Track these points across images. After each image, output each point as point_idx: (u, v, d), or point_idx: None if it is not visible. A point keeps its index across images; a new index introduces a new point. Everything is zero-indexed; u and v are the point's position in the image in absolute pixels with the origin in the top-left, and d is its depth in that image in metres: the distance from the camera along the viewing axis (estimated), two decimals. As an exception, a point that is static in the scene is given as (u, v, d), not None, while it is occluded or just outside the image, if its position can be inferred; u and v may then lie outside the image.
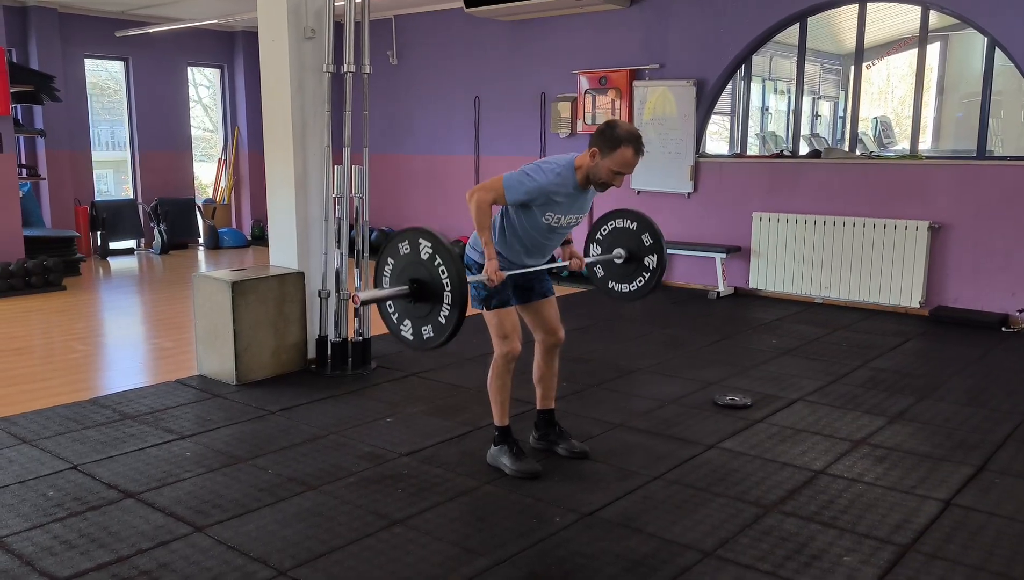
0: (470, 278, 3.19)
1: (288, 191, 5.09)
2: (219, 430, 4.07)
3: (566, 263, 3.61)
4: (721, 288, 7.61)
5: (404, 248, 3.06)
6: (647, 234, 3.80)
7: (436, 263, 2.96)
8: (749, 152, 8.59)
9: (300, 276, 5.07)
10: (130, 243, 10.79)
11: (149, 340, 6.32)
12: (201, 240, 11.26)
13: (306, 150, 5.08)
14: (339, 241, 5.09)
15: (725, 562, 2.80)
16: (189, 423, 4.18)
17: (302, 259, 5.13)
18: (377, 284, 3.18)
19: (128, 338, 6.41)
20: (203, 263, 10.21)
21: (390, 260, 3.11)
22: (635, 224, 3.83)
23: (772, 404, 4.47)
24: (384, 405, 4.45)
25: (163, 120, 10.93)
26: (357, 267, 5.13)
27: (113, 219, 10.32)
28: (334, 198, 5.05)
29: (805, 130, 10.27)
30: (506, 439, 3.58)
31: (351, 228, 5.13)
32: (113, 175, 11.69)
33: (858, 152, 7.68)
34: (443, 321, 2.97)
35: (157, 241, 10.57)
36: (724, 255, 7.55)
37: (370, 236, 10.26)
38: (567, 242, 3.62)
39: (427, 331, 3.02)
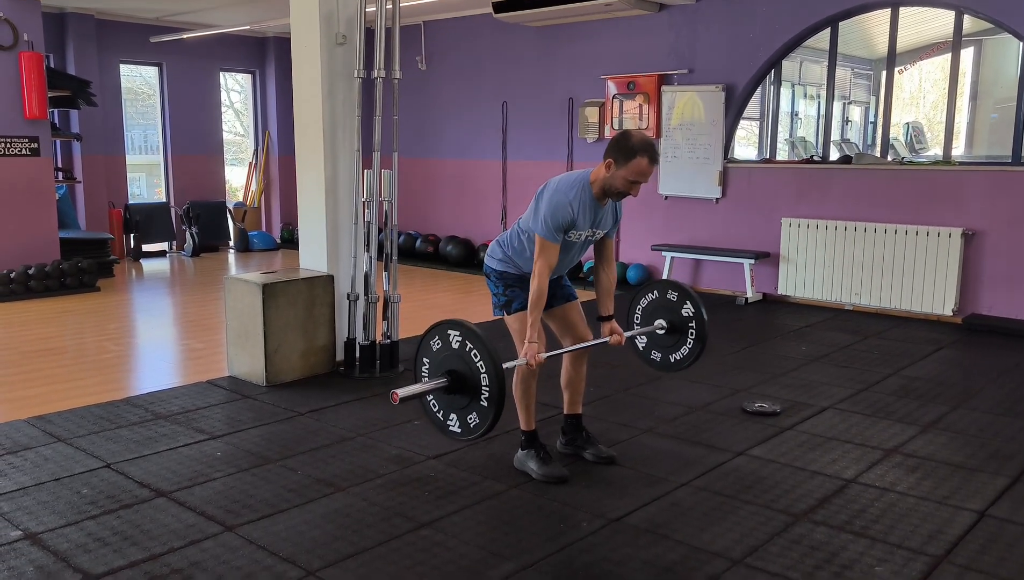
0: (508, 365, 3.11)
1: (318, 195, 5.13)
2: (249, 431, 4.12)
3: (606, 339, 3.58)
4: (750, 294, 7.56)
5: (436, 343, 3.07)
6: (687, 303, 3.77)
7: (468, 349, 2.96)
8: (778, 157, 8.53)
9: (329, 279, 5.11)
10: (162, 245, 10.94)
11: (180, 341, 6.40)
12: (231, 243, 11.39)
13: (336, 154, 5.12)
14: (368, 245, 5.13)
15: (754, 571, 2.78)
16: (220, 423, 4.22)
17: (331, 262, 5.17)
18: (417, 377, 3.19)
19: (160, 339, 6.50)
20: (233, 266, 10.32)
21: (425, 360, 3.11)
22: (675, 295, 3.81)
23: (802, 412, 4.43)
24: (411, 408, 4.44)
25: (195, 124, 11.07)
26: (386, 271, 5.16)
27: (146, 222, 10.48)
28: (363, 202, 5.09)
29: (835, 135, 10.18)
30: (533, 443, 3.58)
31: (380, 232, 5.16)
32: (146, 179, 11.87)
33: (889, 158, 7.59)
34: (485, 403, 2.95)
35: (188, 244, 10.71)
36: (753, 261, 7.50)
37: (399, 240, 10.39)
38: (607, 318, 3.60)
39: (473, 419, 3.02)
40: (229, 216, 11.34)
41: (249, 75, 11.85)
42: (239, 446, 3.90)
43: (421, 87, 10.25)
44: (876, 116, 11.83)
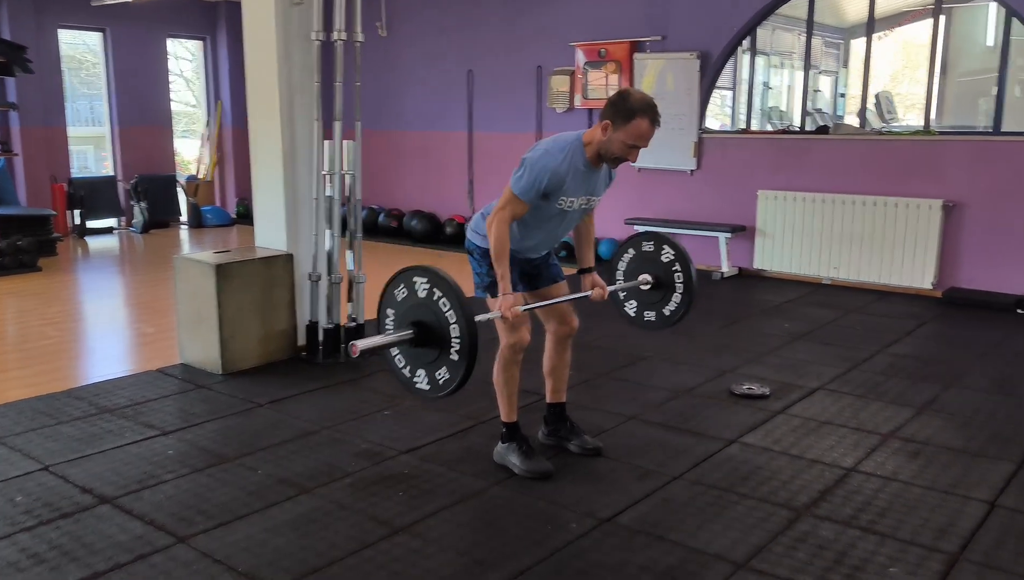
0: (481, 318, 2.87)
1: (275, 167, 4.78)
2: (204, 425, 3.79)
3: (588, 293, 3.32)
4: (725, 269, 7.37)
5: (401, 292, 2.77)
6: (664, 249, 3.51)
7: (436, 298, 2.67)
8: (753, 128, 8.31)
9: (289, 258, 4.77)
10: (110, 222, 10.43)
11: (129, 325, 6.01)
12: (183, 218, 10.90)
13: (294, 123, 4.76)
14: (331, 221, 4.79)
15: (761, 575, 2.55)
16: (171, 417, 3.89)
17: (291, 240, 4.83)
18: (380, 330, 2.91)
19: (106, 323, 6.10)
20: (186, 243, 9.88)
21: (389, 311, 2.81)
22: (650, 245, 3.54)
23: (791, 393, 4.23)
24: (381, 397, 4.18)
25: (142, 94, 10.53)
26: (350, 249, 4.84)
27: (91, 197, 9.95)
28: (324, 175, 4.74)
29: (804, 106, 9.98)
30: (514, 436, 3.32)
31: (343, 207, 4.82)
32: (94, 152, 11.29)
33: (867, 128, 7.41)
34: (456, 357, 2.67)
35: (138, 219, 10.21)
36: (729, 235, 7.29)
37: (363, 215, 10.01)
38: (588, 270, 3.34)
39: (442, 374, 2.73)
40: (180, 190, 10.84)
41: (199, 42, 11.29)
42: (193, 443, 3.58)
43: (382, 55, 9.83)
44: (846, 86, 11.70)
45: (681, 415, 3.93)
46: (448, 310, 2.64)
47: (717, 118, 8.94)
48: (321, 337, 4.82)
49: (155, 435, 3.66)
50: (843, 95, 11.45)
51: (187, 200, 10.84)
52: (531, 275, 3.33)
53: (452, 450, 3.51)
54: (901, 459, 3.43)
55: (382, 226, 9.70)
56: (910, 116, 11.74)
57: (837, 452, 3.49)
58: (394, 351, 2.83)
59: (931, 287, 6.49)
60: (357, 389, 4.32)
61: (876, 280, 6.74)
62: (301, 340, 4.88)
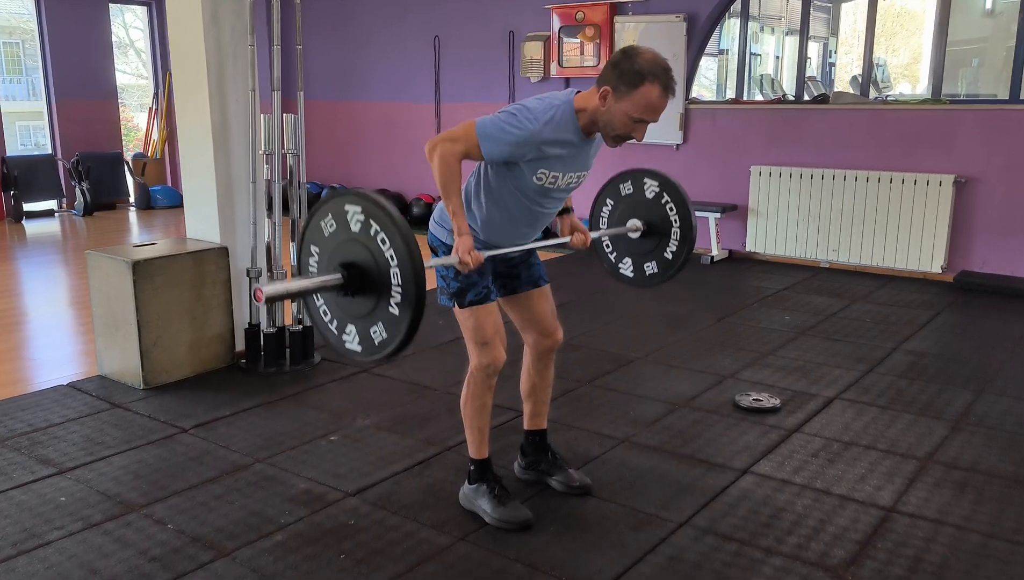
0: (434, 262, 2.31)
1: (205, 147, 4.10)
2: (111, 459, 3.15)
3: (566, 239, 2.72)
4: (715, 252, 6.79)
5: (328, 225, 2.14)
6: (669, 197, 2.91)
7: (373, 232, 2.04)
8: (739, 98, 7.71)
9: (223, 252, 4.11)
10: (50, 204, 9.64)
11: (52, 327, 5.31)
12: (132, 199, 10.13)
13: (225, 95, 4.08)
14: (270, 209, 4.14)
15: (802, 674, 1.98)
16: (74, 448, 3.24)
17: (225, 231, 4.17)
18: (300, 272, 2.28)
19: (21, 324, 5.39)
20: (134, 226, 9.13)
21: (314, 248, 2.20)
22: (653, 186, 2.94)
23: (805, 405, 3.67)
24: (327, 416, 3.56)
25: (83, 65, 9.69)
26: (294, 241, 4.18)
27: (27, 177, 9.15)
28: (262, 155, 4.07)
29: (795, 74, 9.40)
30: (485, 475, 2.72)
31: (285, 192, 4.16)
32: (32, 128, 10.45)
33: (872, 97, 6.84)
34: (396, 310, 2.06)
35: (80, 201, 9.43)
36: (718, 214, 6.71)
37: (310, 200, 9.23)
38: (566, 211, 2.73)
39: (377, 332, 2.12)
40: (127, 169, 10.05)
41: (144, 7, 10.45)
42: (93, 485, 2.94)
43: (342, 20, 9.08)
44: (835, 54, 11.14)
45: (681, 436, 3.35)
46: (388, 249, 2.02)
47: (705, 89, 8.33)
48: (263, 341, 4.17)
49: (49, 475, 3.01)
50: (833, 64, 10.89)
51: (134, 179, 10.06)
52: (508, 276, 2.71)
53: (409, 490, 2.90)
54: (947, 493, 2.87)
55: (344, 206, 8.99)
56: (902, 86, 11.22)
57: (870, 484, 2.93)
58: (319, 300, 2.22)
59: (940, 271, 5.96)
60: (301, 405, 3.70)
61: (880, 264, 6.20)
62: (240, 345, 4.24)
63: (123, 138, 10.36)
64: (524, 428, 2.93)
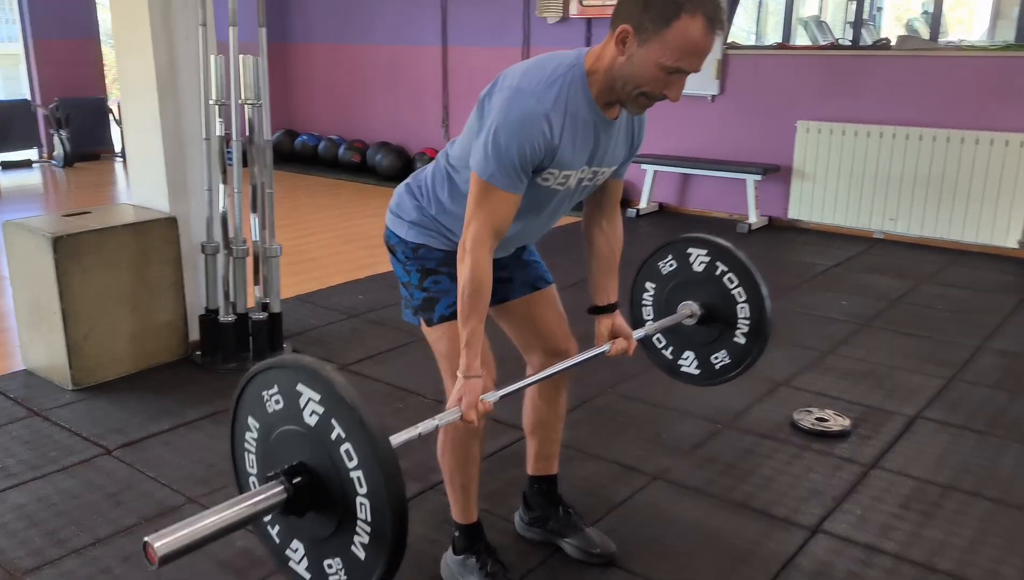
0: (423, 427, 1.60)
1: (147, 96, 3.36)
2: (5, 495, 2.48)
3: (604, 348, 2.01)
4: (753, 218, 6.01)
5: (274, 401, 1.46)
6: (725, 266, 2.21)
7: (335, 437, 1.37)
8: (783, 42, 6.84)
9: (170, 224, 3.40)
10: (27, 154, 8.94)
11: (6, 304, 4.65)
12: (117, 149, 9.41)
13: (171, 32, 3.32)
14: (226, 171, 3.41)
15: None
16: (-35, 477, 2.59)
17: (175, 198, 3.45)
18: (235, 461, 1.59)
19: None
20: (119, 179, 8.44)
21: (252, 422, 1.51)
22: (702, 256, 2.23)
23: (881, 427, 2.95)
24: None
25: (62, 1, 8.91)
26: (255, 211, 3.47)
27: (2, 125, 8.45)
28: (213, 105, 3.32)
29: (845, 17, 8.47)
30: (474, 545, 2.04)
31: (244, 152, 3.43)
32: (3, 72, 9.69)
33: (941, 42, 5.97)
34: (360, 552, 1.40)
35: (59, 151, 8.72)
36: (759, 176, 5.91)
37: (319, 147, 8.54)
38: (607, 310, 2.03)
39: (335, 572, 1.46)
40: (112, 117, 9.31)
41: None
42: (-30, 538, 2.28)
43: (340, -47, 8.23)
44: (884, -5, 10.13)
45: (729, 472, 2.64)
46: (355, 470, 1.36)
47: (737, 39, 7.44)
48: (221, 331, 3.48)
49: (-80, 519, 2.36)
50: (880, 8, 9.92)
51: (120, 128, 9.32)
52: (494, 280, 1.99)
53: (378, 553, 2.22)
54: (1091, 571, 2.16)
55: (343, 161, 8.25)
56: (957, 32, 10.24)
57: (986, 557, 2.21)
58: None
59: (1017, 246, 5.17)
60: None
61: (945, 236, 5.41)
62: (194, 333, 3.55)
63: (107, 82, 9.61)
64: (528, 474, 2.24)
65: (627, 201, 6.61)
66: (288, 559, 1.54)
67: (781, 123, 5.94)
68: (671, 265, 2.30)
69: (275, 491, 1.42)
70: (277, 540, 1.56)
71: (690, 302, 2.29)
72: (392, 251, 1.93)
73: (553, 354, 2.06)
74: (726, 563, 2.18)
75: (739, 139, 6.13)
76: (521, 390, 1.88)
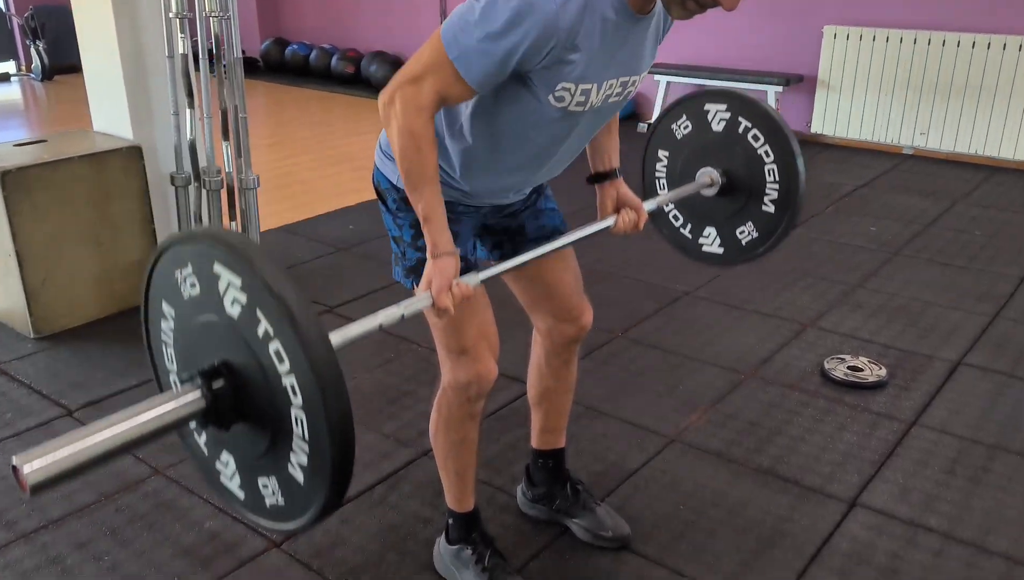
0: (400, 307, 1.31)
1: (101, 7, 2.98)
2: (-45, 465, 2.26)
3: (607, 222, 1.69)
4: (772, 133, 5.61)
5: (188, 284, 1.14)
6: (749, 122, 1.84)
7: (262, 334, 1.04)
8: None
9: (134, 153, 3.07)
10: (5, 67, 8.50)
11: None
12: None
13: (122, -69, 2.92)
14: (192, 94, 3.05)
15: None
16: (-90, 444, 2.35)
17: (138, 125, 3.11)
18: (151, 357, 1.29)
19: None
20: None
21: (167, 308, 1.20)
22: (721, 112, 1.87)
23: (919, 376, 2.67)
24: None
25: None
26: (227, 139, 3.13)
27: (-26, 37, 8.01)
28: (174, 18, 2.94)
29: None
30: (468, 535, 1.79)
31: (212, 69, 3.07)
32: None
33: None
34: (298, 474, 1.10)
35: (37, 64, 8.28)
36: (780, 88, 5.49)
37: (311, 57, 8.02)
38: (608, 176, 1.70)
39: (272, 493, 1.16)
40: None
41: None
42: (-90, 519, 2.05)
43: None
44: None
45: (753, 431, 2.39)
46: (287, 374, 1.03)
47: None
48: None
49: None
50: None
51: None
52: (501, 232, 1.69)
53: (358, 542, 1.98)
54: None
55: (336, 72, 7.80)
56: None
57: (1045, 533, 1.97)
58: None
59: (1059, 163, 4.81)
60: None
61: (979, 151, 5.03)
62: (169, 274, 3.26)
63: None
64: (532, 447, 1.98)
65: (638, 114, 6.21)
66: (218, 473, 1.26)
67: (806, 28, 5.48)
68: (686, 127, 1.93)
69: (188, 399, 1.10)
70: (205, 451, 1.27)
71: (710, 168, 1.94)
72: (381, 198, 1.61)
73: (563, 318, 1.77)
74: (753, 545, 1.94)
75: (759, 46, 5.68)
76: (507, 273, 1.55)
